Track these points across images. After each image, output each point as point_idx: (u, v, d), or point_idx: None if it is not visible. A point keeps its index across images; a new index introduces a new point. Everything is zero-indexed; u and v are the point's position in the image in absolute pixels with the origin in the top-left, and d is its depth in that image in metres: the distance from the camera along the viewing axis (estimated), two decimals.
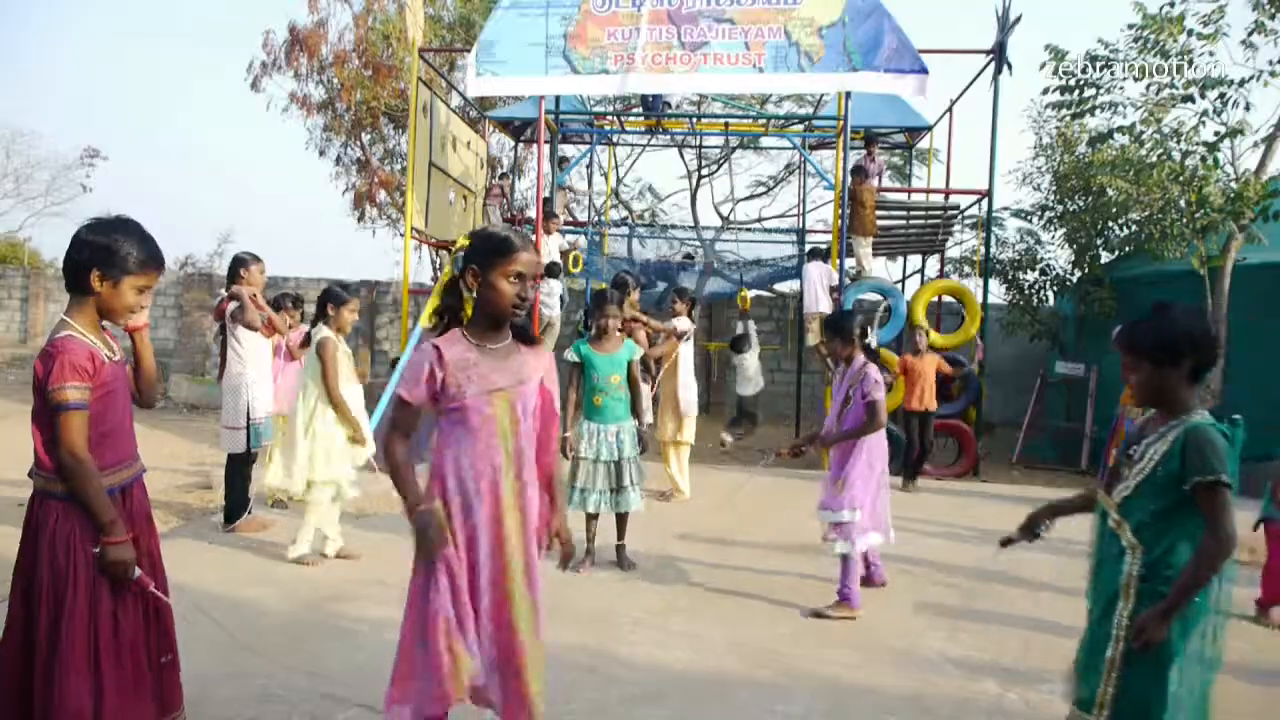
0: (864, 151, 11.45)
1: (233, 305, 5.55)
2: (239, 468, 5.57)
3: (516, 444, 2.31)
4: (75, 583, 2.20)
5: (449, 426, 2.31)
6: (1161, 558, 2.10)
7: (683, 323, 7.06)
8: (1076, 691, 2.25)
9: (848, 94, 9.94)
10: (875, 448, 4.41)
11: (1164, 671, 2.08)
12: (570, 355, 5.04)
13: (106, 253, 2.26)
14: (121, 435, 2.35)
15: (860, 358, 4.46)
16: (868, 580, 4.66)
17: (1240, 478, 2.08)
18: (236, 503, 5.53)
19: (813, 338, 9.98)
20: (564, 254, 10.99)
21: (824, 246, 10.43)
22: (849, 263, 9.91)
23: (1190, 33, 8.11)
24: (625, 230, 15.09)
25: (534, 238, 10.74)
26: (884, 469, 4.50)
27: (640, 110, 13.79)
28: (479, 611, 2.27)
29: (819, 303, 9.66)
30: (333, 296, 4.98)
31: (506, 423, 2.30)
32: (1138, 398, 2.24)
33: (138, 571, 2.27)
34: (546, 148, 11.89)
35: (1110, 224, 10.94)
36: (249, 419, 5.52)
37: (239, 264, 5.65)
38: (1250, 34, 8.12)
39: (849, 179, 9.74)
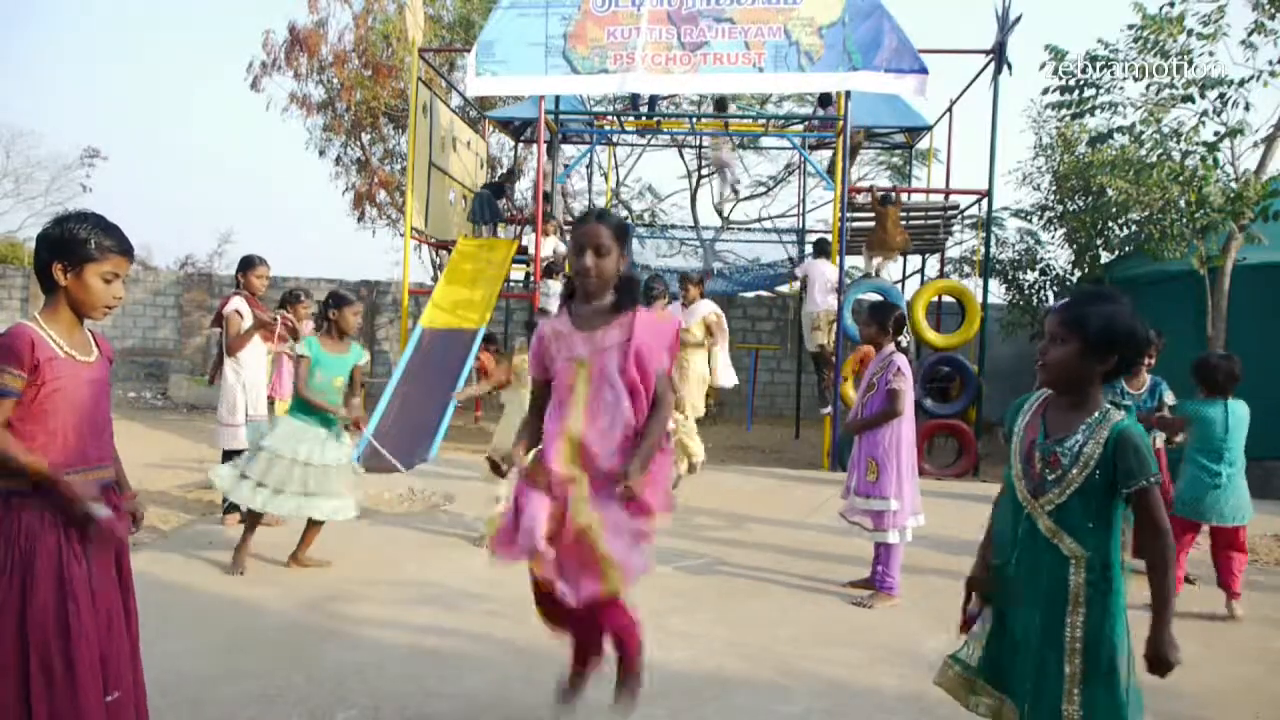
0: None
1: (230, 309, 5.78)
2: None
3: (592, 405, 2.61)
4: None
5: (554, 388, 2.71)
6: (1103, 560, 2.08)
7: (705, 305, 7.04)
8: (1018, 707, 2.16)
9: (848, 94, 9.94)
10: (903, 434, 4.51)
11: (1128, 675, 2.06)
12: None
13: (64, 243, 2.21)
14: (76, 437, 2.25)
15: (890, 346, 4.63)
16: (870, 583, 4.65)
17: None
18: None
19: (820, 336, 9.87)
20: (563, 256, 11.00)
21: (828, 242, 10.34)
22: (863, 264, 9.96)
23: (1190, 33, 8.10)
24: None
25: (534, 237, 10.76)
26: (911, 454, 4.56)
27: (639, 111, 13.78)
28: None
29: (824, 301, 9.61)
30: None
31: (583, 388, 2.62)
32: (1049, 376, 2.17)
33: (103, 511, 2.18)
34: (547, 148, 11.89)
35: (1110, 224, 10.93)
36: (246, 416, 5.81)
37: (248, 265, 5.89)
38: (1250, 34, 8.10)
39: (849, 191, 9.74)
